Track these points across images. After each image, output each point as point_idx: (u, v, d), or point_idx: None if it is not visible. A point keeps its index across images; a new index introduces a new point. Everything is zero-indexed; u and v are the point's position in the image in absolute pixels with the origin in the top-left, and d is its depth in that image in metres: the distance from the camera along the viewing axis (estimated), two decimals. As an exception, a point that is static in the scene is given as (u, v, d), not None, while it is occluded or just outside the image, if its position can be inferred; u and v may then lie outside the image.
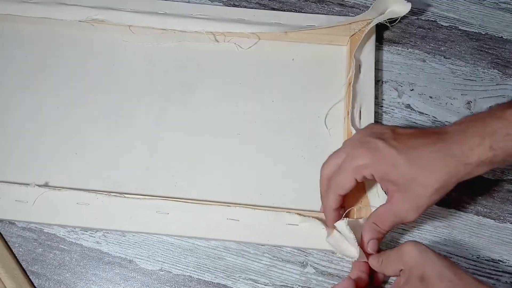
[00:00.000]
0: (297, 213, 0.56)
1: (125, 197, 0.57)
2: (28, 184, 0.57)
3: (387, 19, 0.65)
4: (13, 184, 0.58)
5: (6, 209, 0.57)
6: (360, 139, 0.50)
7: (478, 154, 0.45)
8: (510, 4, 0.70)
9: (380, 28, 0.67)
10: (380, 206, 0.51)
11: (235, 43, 0.66)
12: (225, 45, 0.66)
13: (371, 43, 0.65)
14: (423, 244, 0.48)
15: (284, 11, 0.69)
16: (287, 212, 0.56)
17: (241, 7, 0.69)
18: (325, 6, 0.70)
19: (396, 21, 0.66)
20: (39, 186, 0.58)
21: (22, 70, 0.65)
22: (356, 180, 0.49)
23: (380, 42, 0.67)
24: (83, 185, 0.59)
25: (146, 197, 0.57)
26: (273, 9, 0.69)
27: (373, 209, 0.54)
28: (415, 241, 0.48)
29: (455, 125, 0.49)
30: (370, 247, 0.51)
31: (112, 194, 0.57)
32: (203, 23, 0.65)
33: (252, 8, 0.69)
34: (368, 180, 0.53)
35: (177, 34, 0.66)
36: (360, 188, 0.56)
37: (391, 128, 0.51)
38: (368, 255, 0.52)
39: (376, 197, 0.56)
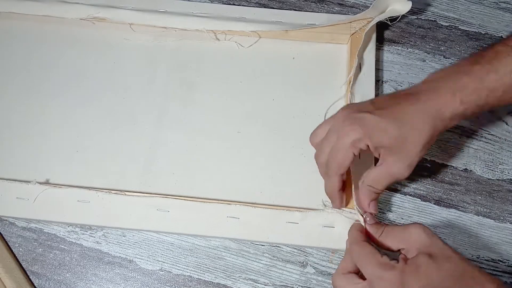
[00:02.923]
0: (298, 211, 0.56)
1: (125, 194, 0.57)
2: (29, 182, 0.57)
3: (388, 18, 0.65)
4: (14, 181, 0.58)
5: (7, 206, 0.57)
6: (345, 117, 0.51)
7: (451, 109, 0.49)
8: (510, 4, 0.70)
9: (380, 28, 0.67)
10: (373, 168, 0.52)
11: (235, 42, 0.66)
12: (225, 43, 0.66)
13: (372, 41, 0.65)
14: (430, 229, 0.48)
15: (284, 10, 0.69)
16: (287, 210, 0.56)
17: (241, 7, 0.69)
18: (325, 5, 0.70)
19: (397, 20, 0.66)
20: (40, 183, 0.57)
21: (23, 68, 0.65)
22: (354, 154, 0.50)
23: (380, 42, 0.67)
24: (84, 183, 0.59)
25: (147, 194, 0.57)
26: (273, 8, 0.69)
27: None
28: (422, 224, 0.48)
29: (426, 82, 0.52)
30: (372, 208, 0.53)
31: (112, 191, 0.57)
32: (204, 21, 0.65)
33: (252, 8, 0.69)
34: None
35: (178, 32, 0.66)
36: None
37: (368, 101, 0.53)
38: (369, 225, 0.52)
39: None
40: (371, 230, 0.51)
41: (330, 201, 0.56)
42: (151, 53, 0.66)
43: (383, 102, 0.51)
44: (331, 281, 0.55)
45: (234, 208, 0.57)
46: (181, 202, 0.57)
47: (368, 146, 0.50)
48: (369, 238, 0.51)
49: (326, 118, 0.62)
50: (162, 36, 0.66)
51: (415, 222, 0.49)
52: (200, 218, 0.56)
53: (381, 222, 0.52)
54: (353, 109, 0.51)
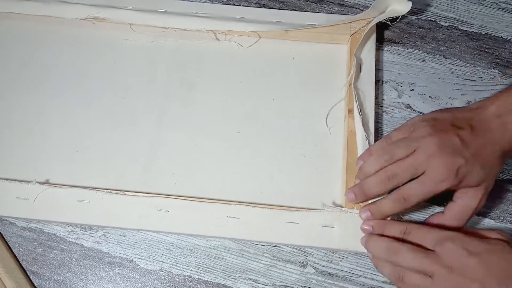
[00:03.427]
0: (297, 211, 0.56)
1: (125, 194, 0.57)
2: (29, 182, 0.57)
3: (388, 18, 0.65)
4: (14, 181, 0.58)
5: (7, 206, 0.57)
6: (438, 148, 0.50)
7: None
8: (510, 4, 0.70)
9: (380, 28, 0.67)
10: (452, 207, 0.53)
11: (235, 42, 0.66)
12: (225, 43, 0.66)
13: (372, 42, 0.65)
14: None
15: (284, 10, 0.69)
16: (287, 210, 0.56)
17: (241, 7, 0.69)
18: (325, 6, 0.70)
19: (397, 20, 0.66)
20: (40, 183, 0.57)
21: (23, 68, 0.65)
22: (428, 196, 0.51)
23: (380, 42, 0.67)
24: (84, 183, 0.59)
25: (147, 194, 0.57)
26: (273, 9, 0.69)
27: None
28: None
29: (495, 116, 0.52)
30: None
31: (112, 191, 0.57)
32: (204, 21, 0.65)
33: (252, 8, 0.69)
34: None
35: (178, 32, 0.66)
36: None
37: (454, 132, 0.52)
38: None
39: None
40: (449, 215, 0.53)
41: (329, 202, 0.56)
42: (151, 53, 0.66)
43: (468, 137, 0.51)
44: (331, 281, 0.55)
45: (234, 208, 0.57)
46: (181, 202, 0.57)
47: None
48: None
49: (327, 120, 0.62)
50: (162, 36, 0.66)
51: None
52: (200, 218, 0.56)
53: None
54: (444, 142, 0.51)
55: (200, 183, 0.59)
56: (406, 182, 0.51)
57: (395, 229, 0.51)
